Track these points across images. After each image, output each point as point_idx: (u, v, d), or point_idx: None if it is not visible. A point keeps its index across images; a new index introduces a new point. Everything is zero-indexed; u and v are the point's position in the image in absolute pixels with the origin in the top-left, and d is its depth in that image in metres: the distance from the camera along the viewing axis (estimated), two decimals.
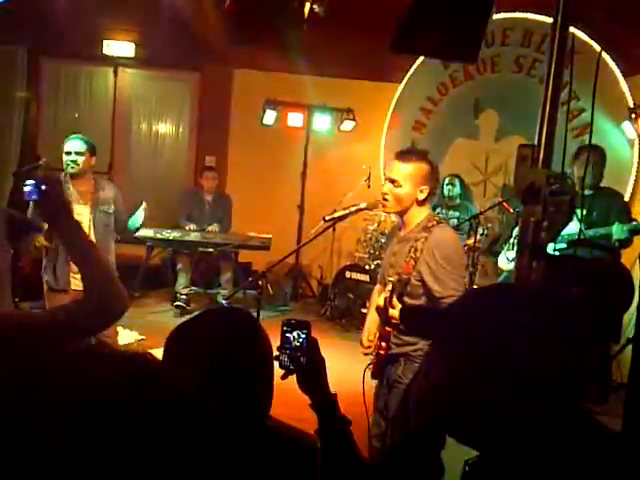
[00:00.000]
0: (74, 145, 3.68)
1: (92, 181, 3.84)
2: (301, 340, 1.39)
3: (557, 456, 0.86)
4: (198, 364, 1.12)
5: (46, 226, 3.30)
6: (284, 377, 1.42)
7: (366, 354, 2.61)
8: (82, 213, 3.73)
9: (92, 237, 3.78)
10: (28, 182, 1.40)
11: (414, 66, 6.84)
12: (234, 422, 1.12)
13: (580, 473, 0.86)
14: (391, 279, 2.38)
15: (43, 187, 1.39)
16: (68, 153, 3.67)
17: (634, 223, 3.87)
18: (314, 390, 1.38)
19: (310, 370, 1.39)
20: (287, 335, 1.40)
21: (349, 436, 1.35)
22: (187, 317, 1.27)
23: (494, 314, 0.92)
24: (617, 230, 3.82)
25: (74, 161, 3.66)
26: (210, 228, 6.21)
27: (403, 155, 2.50)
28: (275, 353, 1.38)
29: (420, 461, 1.07)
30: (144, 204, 4.12)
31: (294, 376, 1.42)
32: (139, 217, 4.07)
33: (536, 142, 1.54)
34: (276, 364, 1.39)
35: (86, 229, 3.73)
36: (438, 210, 5.98)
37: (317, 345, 1.41)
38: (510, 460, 0.90)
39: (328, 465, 1.31)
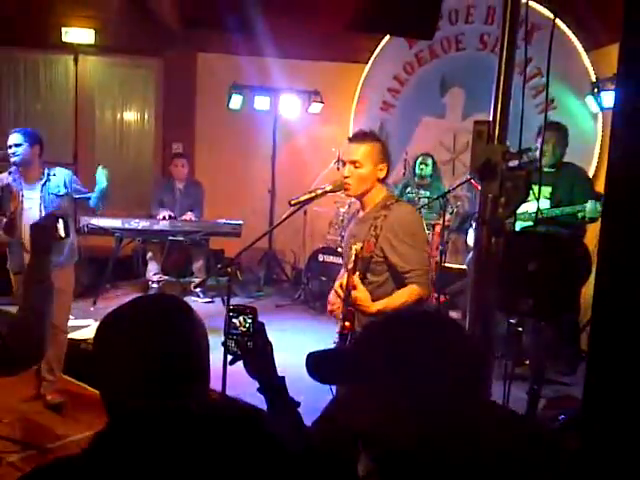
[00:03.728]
0: (12, 138, 3.94)
1: (41, 169, 4.02)
2: (247, 325, 1.39)
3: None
4: (126, 351, 1.09)
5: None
6: (232, 362, 1.43)
7: (331, 313, 2.62)
8: (32, 197, 3.94)
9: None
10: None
11: (380, 46, 6.81)
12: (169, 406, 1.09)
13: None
14: (354, 247, 2.37)
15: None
16: (9, 147, 3.95)
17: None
18: (262, 373, 1.38)
19: (257, 354, 1.39)
20: (233, 320, 1.40)
21: (297, 417, 1.36)
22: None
23: (389, 348, 0.94)
24: (591, 209, 3.78)
25: (14, 152, 3.93)
26: (184, 217, 6.15)
27: (358, 136, 2.54)
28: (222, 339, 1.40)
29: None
30: (100, 167, 4.27)
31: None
32: (100, 179, 4.18)
33: (491, 118, 1.54)
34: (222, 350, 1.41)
35: (36, 211, 3.92)
36: (409, 189, 6.00)
37: (264, 329, 1.41)
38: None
39: (276, 446, 1.32)
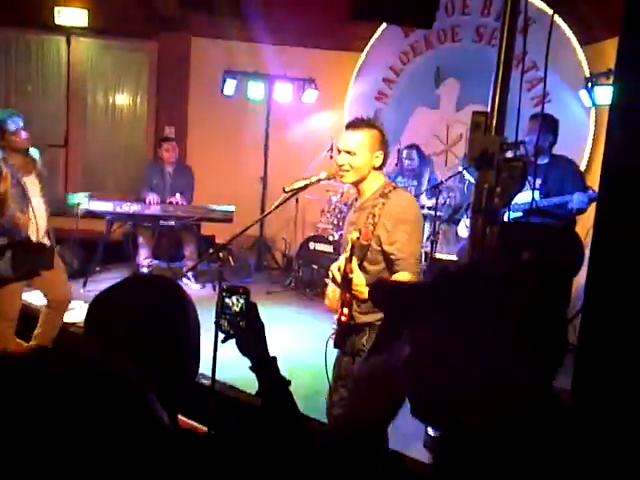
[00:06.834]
0: (20, 121, 3.78)
1: (27, 153, 3.91)
2: (240, 305, 1.41)
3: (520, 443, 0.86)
4: (117, 329, 1.11)
5: None
6: (224, 341, 1.46)
7: (331, 308, 2.63)
8: (33, 183, 3.83)
9: (43, 207, 3.82)
10: None
11: (375, 35, 6.78)
12: (157, 381, 1.11)
13: (542, 457, 0.85)
14: (350, 236, 2.38)
15: None
16: (17, 131, 3.74)
17: (590, 192, 3.94)
18: (254, 352, 1.41)
19: (249, 333, 1.41)
20: (226, 300, 1.43)
21: (289, 395, 1.38)
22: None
23: (464, 298, 0.90)
24: (577, 199, 3.89)
25: (27, 138, 3.79)
26: (172, 199, 6.12)
27: (353, 125, 2.52)
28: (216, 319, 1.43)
29: (362, 437, 1.08)
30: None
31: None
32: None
33: (489, 109, 1.55)
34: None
35: (38, 200, 3.84)
36: (399, 179, 6.02)
37: (256, 310, 1.44)
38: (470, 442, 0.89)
39: (268, 424, 1.35)
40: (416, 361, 0.91)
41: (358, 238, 2.35)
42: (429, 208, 5.44)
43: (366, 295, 2.31)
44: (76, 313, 4.69)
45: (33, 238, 3.75)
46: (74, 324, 4.49)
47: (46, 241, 3.87)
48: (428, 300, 0.93)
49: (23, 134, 3.77)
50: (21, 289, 3.84)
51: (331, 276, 2.46)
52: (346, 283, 2.31)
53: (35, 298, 4.54)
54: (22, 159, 3.83)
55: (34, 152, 3.99)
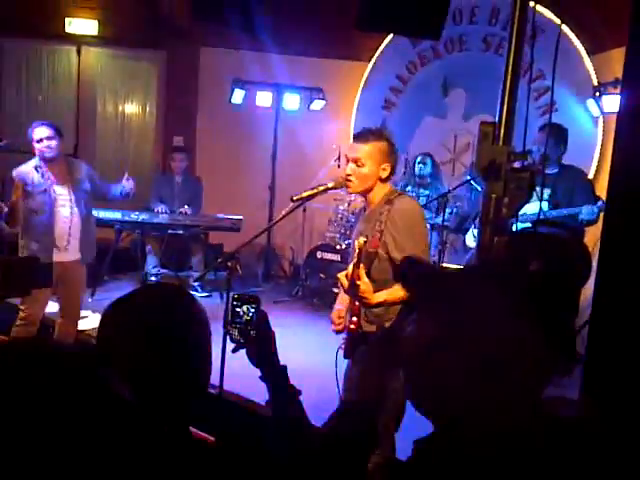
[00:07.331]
0: (43, 131, 3.79)
1: (65, 162, 3.96)
2: (251, 314, 1.40)
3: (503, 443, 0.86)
4: (132, 336, 1.12)
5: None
6: (235, 350, 1.44)
7: (337, 332, 2.62)
8: (63, 193, 3.87)
9: (75, 216, 3.85)
10: None
11: (383, 45, 6.81)
12: (173, 392, 1.12)
13: (530, 464, 0.85)
14: (357, 241, 2.37)
15: None
16: (40, 140, 3.77)
17: (600, 203, 3.91)
18: (264, 362, 1.40)
19: (260, 343, 1.41)
20: (237, 310, 1.42)
21: (300, 405, 1.38)
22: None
23: (489, 295, 0.93)
24: (587, 211, 3.87)
25: (49, 146, 3.79)
26: (181, 210, 6.15)
27: (361, 135, 2.53)
28: (227, 328, 1.43)
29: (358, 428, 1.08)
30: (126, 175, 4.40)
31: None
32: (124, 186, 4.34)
33: (497, 119, 1.56)
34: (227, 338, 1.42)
35: (67, 209, 3.88)
36: (409, 188, 6.02)
37: (267, 319, 1.43)
38: (459, 441, 0.89)
39: (278, 434, 1.34)
40: (420, 341, 0.92)
41: (365, 242, 2.35)
42: (435, 216, 5.44)
43: (372, 301, 2.31)
44: (86, 321, 4.71)
45: (55, 248, 3.81)
46: (83, 332, 4.50)
47: (71, 253, 3.90)
48: (456, 286, 0.94)
49: (45, 143, 3.78)
50: (47, 296, 3.88)
51: (339, 283, 2.46)
52: (353, 289, 2.31)
53: (50, 307, 4.57)
54: (56, 167, 3.86)
55: (80, 165, 4.07)
